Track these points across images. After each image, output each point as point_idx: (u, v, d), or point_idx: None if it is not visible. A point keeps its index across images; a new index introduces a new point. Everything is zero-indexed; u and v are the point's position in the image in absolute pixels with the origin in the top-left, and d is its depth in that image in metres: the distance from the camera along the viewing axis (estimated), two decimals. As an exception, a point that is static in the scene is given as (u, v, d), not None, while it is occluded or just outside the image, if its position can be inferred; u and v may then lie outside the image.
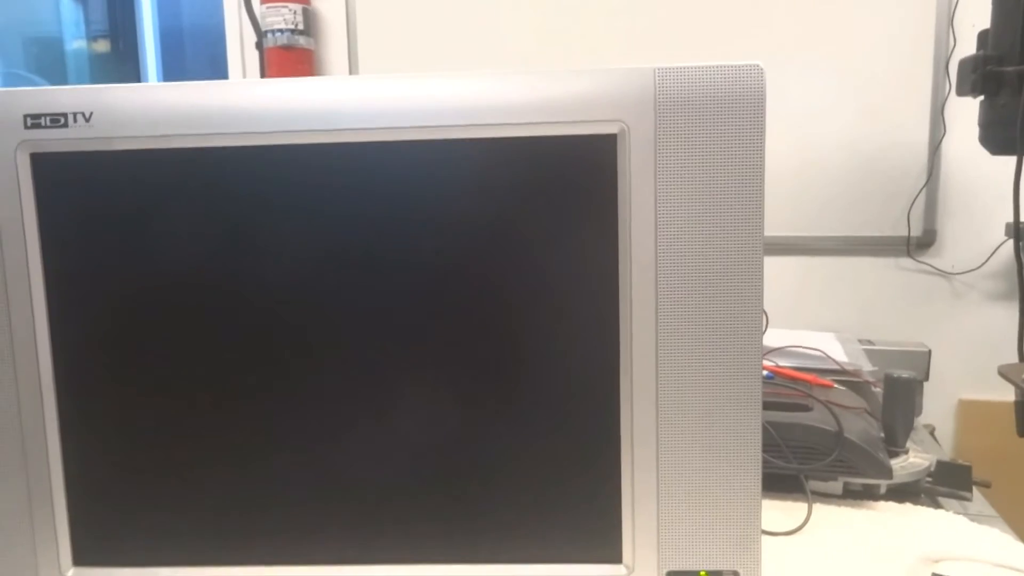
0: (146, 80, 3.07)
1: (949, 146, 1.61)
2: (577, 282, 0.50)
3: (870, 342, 1.33)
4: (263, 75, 1.86)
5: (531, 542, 0.52)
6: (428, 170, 0.49)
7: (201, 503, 0.52)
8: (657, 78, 0.48)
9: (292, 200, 0.50)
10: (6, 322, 0.50)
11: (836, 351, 1.22)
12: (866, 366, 1.17)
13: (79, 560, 0.53)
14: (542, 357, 0.51)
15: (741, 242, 0.48)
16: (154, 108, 0.49)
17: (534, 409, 0.51)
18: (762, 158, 0.48)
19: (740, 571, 0.51)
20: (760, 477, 0.50)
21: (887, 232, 1.66)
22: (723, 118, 0.48)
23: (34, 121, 0.49)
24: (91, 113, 0.49)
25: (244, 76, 1.93)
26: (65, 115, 0.49)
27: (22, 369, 0.51)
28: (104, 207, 0.50)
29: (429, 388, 0.51)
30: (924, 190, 1.62)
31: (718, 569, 0.51)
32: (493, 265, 0.50)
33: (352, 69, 1.83)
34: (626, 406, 0.50)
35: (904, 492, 0.86)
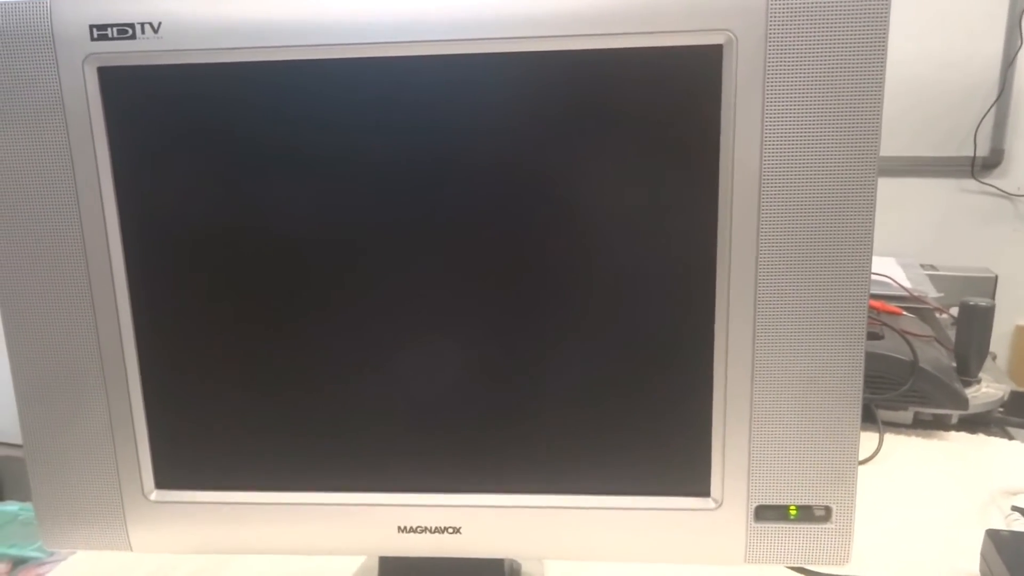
0: None
1: (1025, 60, 1.52)
2: (672, 205, 0.47)
3: (933, 267, 1.29)
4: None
5: (614, 472, 0.51)
6: (507, 86, 0.46)
7: (280, 427, 0.52)
8: (770, -17, 0.43)
9: (373, 116, 0.47)
10: (81, 251, 0.49)
11: (899, 276, 1.19)
12: (931, 292, 1.14)
13: (161, 483, 0.53)
14: (632, 280, 0.48)
15: (854, 169, 0.45)
16: (226, 18, 0.46)
17: (622, 334, 0.49)
18: (882, 78, 0.44)
19: (833, 506, 0.49)
20: (860, 409, 0.48)
21: (951, 152, 1.59)
22: (841, 31, 0.43)
23: (100, 32, 0.46)
24: (159, 24, 0.46)
25: None
26: (132, 25, 0.46)
27: (99, 299, 0.50)
28: (176, 124, 0.48)
29: (511, 312, 0.49)
30: (994, 107, 1.54)
31: (810, 504, 0.50)
32: (579, 187, 0.47)
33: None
34: (720, 331, 0.48)
35: (975, 422, 0.84)
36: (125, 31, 0.46)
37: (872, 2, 0.43)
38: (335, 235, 0.49)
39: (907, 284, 1.13)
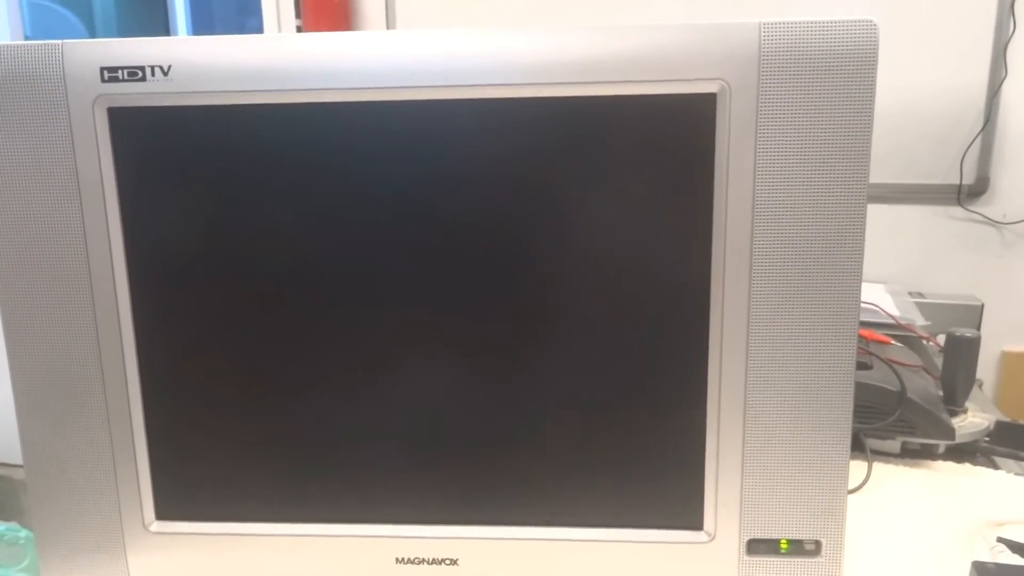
0: (173, 14, 3.02)
1: (1010, 90, 1.55)
2: (667, 248, 0.48)
3: (920, 294, 1.31)
4: (298, 13, 1.81)
5: (607, 505, 0.52)
6: (502, 131, 0.48)
7: (280, 459, 0.53)
8: (762, 34, 0.45)
9: (376, 158, 0.48)
10: (87, 281, 0.50)
11: (888, 304, 1.20)
12: (918, 320, 1.15)
13: (162, 514, 0.54)
14: (627, 319, 0.49)
15: (843, 213, 0.46)
16: (234, 62, 0.47)
17: (618, 369, 0.50)
18: (870, 124, 0.46)
19: (823, 541, 0.50)
20: (848, 444, 0.50)
21: (937, 180, 1.62)
22: (831, 79, 0.45)
23: (111, 74, 0.48)
24: (169, 66, 0.47)
25: (277, 15, 1.88)
26: (143, 68, 0.48)
27: (103, 327, 0.51)
28: (183, 163, 0.49)
29: (508, 350, 0.50)
30: (980, 136, 1.57)
31: (800, 538, 0.51)
32: (575, 228, 0.49)
33: (389, 14, 1.78)
34: (714, 368, 0.49)
35: (962, 451, 0.85)
36: (135, 73, 0.48)
37: (860, 51, 0.45)
38: (336, 274, 0.50)
39: (895, 312, 1.15)
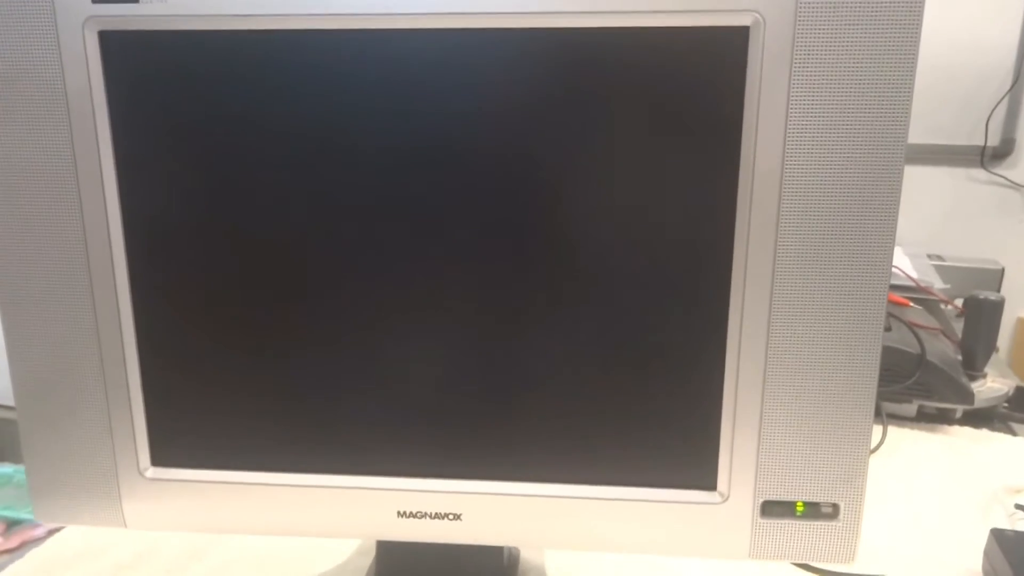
0: None
1: (1041, 49, 1.50)
2: (689, 192, 0.46)
3: (940, 257, 1.28)
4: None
5: (618, 462, 0.50)
6: (519, 65, 0.44)
7: (279, 408, 0.51)
8: (801, -37, 0.42)
9: (386, 89, 0.45)
10: (79, 217, 0.48)
11: (907, 266, 1.17)
12: (937, 283, 1.13)
13: (158, 460, 0.52)
14: (643, 267, 0.47)
15: (879, 160, 0.43)
16: (233, -17, 0.44)
17: (631, 320, 0.48)
18: (914, 67, 0.42)
19: (841, 504, 0.48)
20: (872, 407, 0.47)
21: (962, 141, 1.57)
22: (874, 16, 0.42)
23: (102, -6, 0.45)
24: (164, -13, 0.44)
25: None
26: (136, -12, 0.44)
27: (96, 268, 0.48)
28: (180, 93, 0.46)
29: (517, 297, 0.48)
30: (1008, 96, 1.52)
31: (818, 501, 0.49)
32: (590, 171, 0.46)
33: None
34: (734, 320, 0.47)
35: (979, 417, 0.83)
36: (128, -6, 0.44)
37: (907, -12, 0.41)
38: (337, 216, 0.47)
39: (914, 274, 1.12)
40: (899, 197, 0.45)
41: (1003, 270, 1.23)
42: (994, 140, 1.55)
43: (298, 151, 0.47)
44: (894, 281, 1.06)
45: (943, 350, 0.83)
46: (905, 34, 0.42)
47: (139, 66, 0.46)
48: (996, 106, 1.54)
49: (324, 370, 0.50)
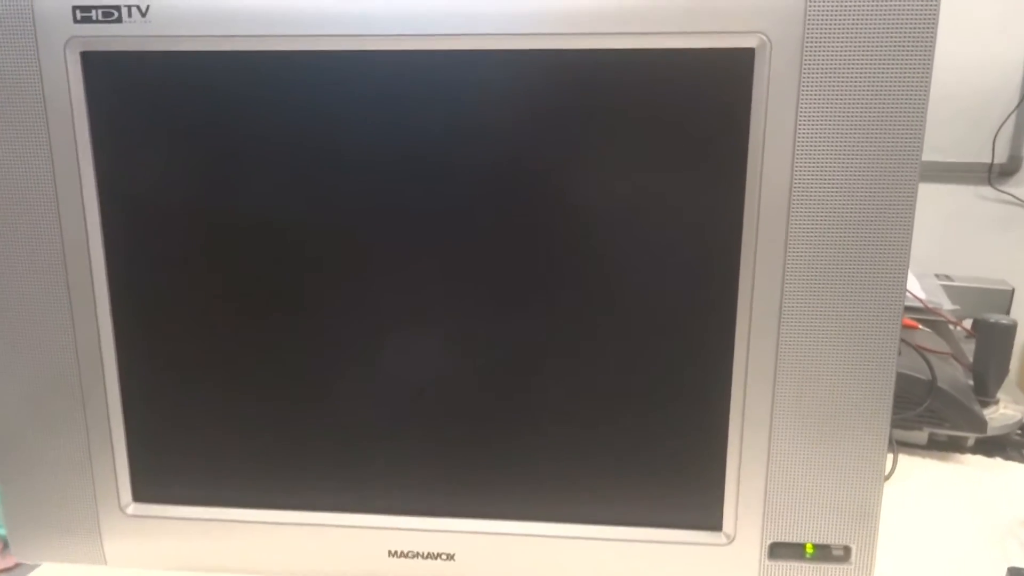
0: None
1: (1048, 66, 1.48)
2: (694, 218, 0.44)
3: (948, 277, 1.25)
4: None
5: (618, 501, 0.48)
6: (520, 87, 0.43)
7: (266, 442, 0.49)
8: (810, -17, 0.40)
9: (375, 112, 0.44)
10: (59, 243, 0.46)
11: (915, 286, 1.15)
12: (946, 304, 1.10)
13: (140, 496, 0.50)
14: (647, 298, 0.45)
15: (892, 187, 0.42)
16: (217, 3, 0.43)
17: (634, 352, 0.46)
18: (927, 88, 0.41)
19: (853, 546, 0.46)
20: (886, 444, 0.45)
21: (968, 158, 1.55)
22: (885, 37, 0.40)
23: (84, 14, 0.43)
24: (147, 7, 0.43)
25: None
26: (118, 7, 0.43)
27: (77, 294, 0.47)
28: (163, 115, 0.45)
29: (516, 328, 0.46)
30: (1015, 113, 1.51)
31: (828, 543, 0.46)
32: (595, 194, 0.44)
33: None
34: (740, 353, 0.45)
35: (992, 444, 0.81)
36: (110, 13, 0.43)
37: (919, 10, 0.40)
38: (325, 242, 0.45)
39: (922, 295, 1.10)
40: (912, 223, 0.43)
41: (1013, 291, 1.21)
42: (1001, 157, 1.53)
43: (285, 175, 0.45)
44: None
45: (954, 375, 0.81)
46: (918, 54, 0.40)
47: (122, 87, 0.44)
48: (1003, 123, 1.52)
49: (313, 404, 0.48)
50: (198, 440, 0.49)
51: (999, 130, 1.53)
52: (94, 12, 0.43)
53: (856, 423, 0.45)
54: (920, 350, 0.82)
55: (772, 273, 0.43)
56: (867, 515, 0.46)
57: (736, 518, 0.47)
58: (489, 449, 0.48)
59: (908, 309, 1.04)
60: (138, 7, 0.43)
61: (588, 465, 0.48)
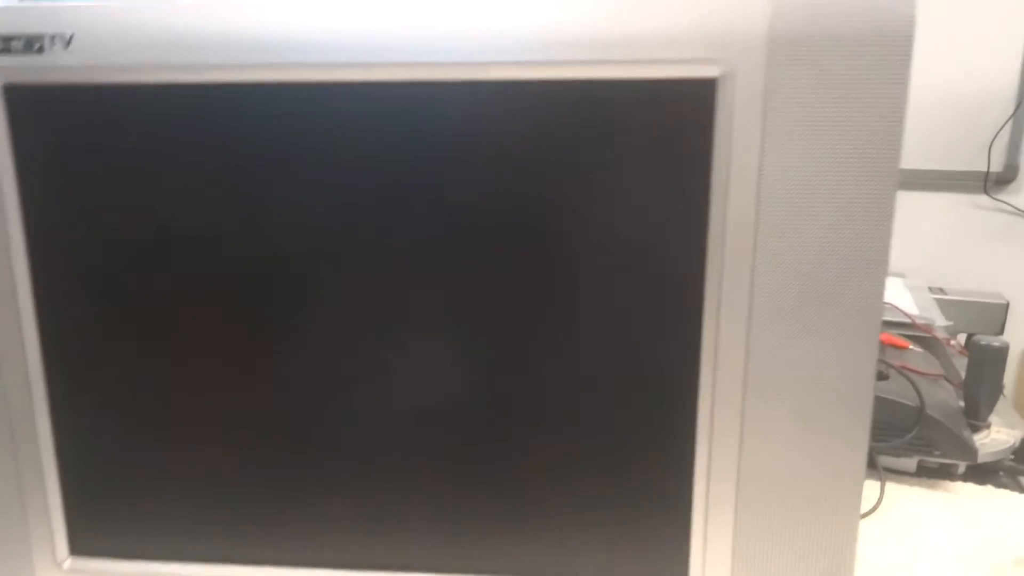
0: None
1: (1043, 73, 1.46)
2: (655, 257, 0.41)
3: (942, 290, 1.23)
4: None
5: (581, 558, 0.45)
6: (465, 114, 0.40)
7: (212, 492, 0.46)
8: (775, 8, 0.37)
9: (311, 146, 0.41)
10: (-18, 284, 0.43)
11: (906, 301, 1.13)
12: (939, 319, 1.07)
13: (76, 549, 0.47)
14: (604, 336, 0.42)
15: (865, 221, 0.39)
16: (146, 31, 0.40)
17: (593, 390, 0.43)
18: (902, 118, 0.38)
19: (828, 602, 0.44)
20: (860, 496, 0.43)
21: (963, 166, 1.53)
22: (856, 65, 0.37)
23: (4, 44, 0.41)
24: (71, 36, 0.40)
25: None
26: (41, 37, 0.40)
27: (4, 338, 0.44)
28: (92, 150, 0.42)
29: (474, 374, 0.43)
30: (1011, 120, 1.48)
31: (802, 600, 0.44)
32: (551, 228, 0.41)
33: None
34: (705, 397, 0.42)
35: (984, 471, 0.78)
36: (32, 44, 0.40)
37: (893, 32, 0.37)
38: (266, 274, 0.43)
39: (915, 311, 1.07)
40: (887, 257, 0.40)
41: (1008, 305, 1.18)
42: (997, 166, 1.51)
43: (218, 208, 0.42)
44: (892, 318, 1.01)
45: (944, 400, 0.78)
46: (892, 79, 0.38)
47: (48, 121, 0.42)
48: (999, 131, 1.49)
49: (262, 451, 0.45)
50: (139, 490, 0.47)
51: (995, 138, 1.50)
52: (14, 42, 0.40)
53: (827, 480, 0.42)
54: (909, 374, 0.79)
55: (737, 322, 0.40)
56: (842, 570, 0.43)
57: (703, 573, 0.44)
58: (445, 503, 0.45)
59: (898, 326, 1.01)
60: (61, 37, 0.40)
61: (548, 519, 0.45)
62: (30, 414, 0.45)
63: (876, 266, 0.40)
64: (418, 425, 0.44)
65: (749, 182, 0.39)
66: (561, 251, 0.41)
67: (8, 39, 0.40)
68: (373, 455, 0.45)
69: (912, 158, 1.54)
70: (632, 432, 0.43)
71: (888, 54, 0.37)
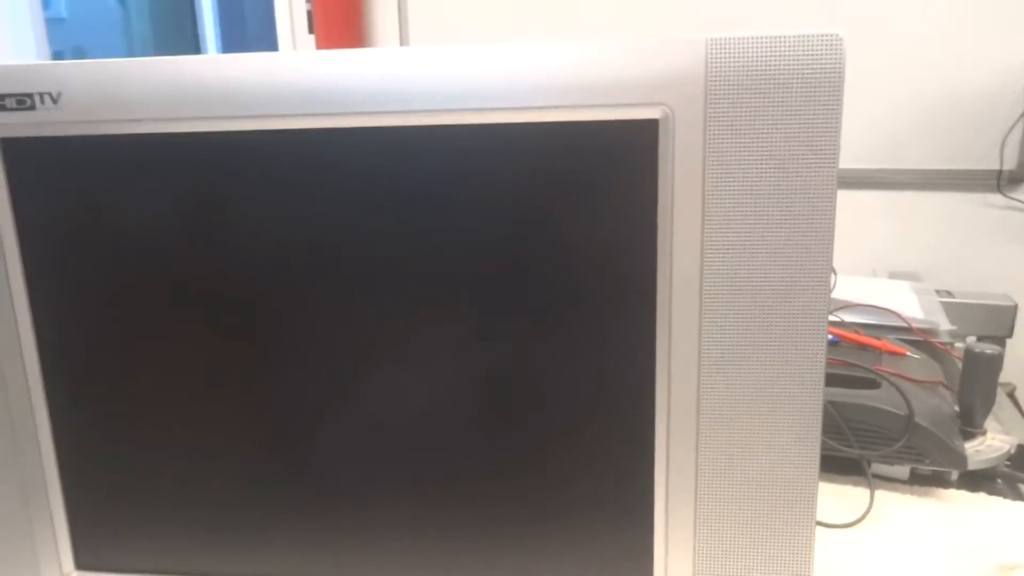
0: (201, 25, 3.00)
1: (1056, 70, 1.44)
2: (606, 289, 0.43)
3: (949, 293, 1.22)
4: (311, 28, 1.76)
5: (546, 565, 0.47)
6: (424, 160, 0.43)
7: (218, 504, 0.49)
8: (709, 51, 0.39)
9: (297, 193, 0.44)
10: (-14, 323, 0.47)
11: (911, 305, 1.13)
12: (943, 323, 1.07)
13: (82, 564, 0.51)
14: (561, 364, 0.45)
15: (805, 253, 0.41)
16: (129, 88, 0.43)
17: (550, 413, 0.45)
18: (836, 151, 0.40)
19: (786, 610, 0.45)
20: (816, 496, 0.44)
21: (975, 165, 1.51)
22: (790, 103, 0.39)
23: (-1, 102, 0.44)
24: (59, 93, 0.43)
25: (292, 29, 1.84)
26: (31, 95, 0.44)
27: (9, 370, 0.47)
28: (85, 199, 0.45)
29: (443, 389, 0.46)
30: (1023, 118, 1.47)
31: (762, 607, 0.46)
32: (504, 267, 0.43)
33: (402, 28, 1.73)
34: (661, 422, 0.44)
35: (978, 477, 0.79)
36: (23, 101, 0.44)
37: (823, 71, 0.39)
38: (260, 321, 0.46)
39: (919, 315, 1.07)
40: (828, 285, 0.42)
41: (1016, 307, 1.17)
42: (1010, 164, 1.49)
43: (211, 256, 0.45)
44: (894, 323, 1.02)
45: (937, 408, 0.79)
46: (825, 116, 0.40)
47: (44, 173, 0.45)
48: (1012, 128, 1.48)
49: (268, 463, 0.48)
50: (143, 505, 0.50)
51: (1007, 135, 1.49)
52: (7, 100, 0.44)
53: (783, 475, 0.44)
54: (900, 382, 0.80)
55: (687, 353, 0.42)
56: (800, 562, 0.45)
57: (666, 570, 0.46)
58: (426, 517, 0.48)
59: (899, 329, 1.01)
60: (50, 94, 0.43)
61: (515, 525, 0.47)
62: (33, 432, 0.48)
63: (818, 278, 0.42)
64: (397, 441, 0.47)
65: (694, 220, 0.41)
66: (521, 280, 0.44)
67: (1, 97, 0.44)
68: (367, 479, 0.47)
69: (922, 157, 1.53)
70: (595, 443, 0.45)
71: (819, 91, 0.39)
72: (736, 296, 0.42)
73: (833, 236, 0.41)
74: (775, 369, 0.42)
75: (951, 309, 1.15)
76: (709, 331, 0.42)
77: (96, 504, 0.50)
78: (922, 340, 1.00)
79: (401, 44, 1.75)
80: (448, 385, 0.45)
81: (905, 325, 1.01)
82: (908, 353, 0.92)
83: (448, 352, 0.45)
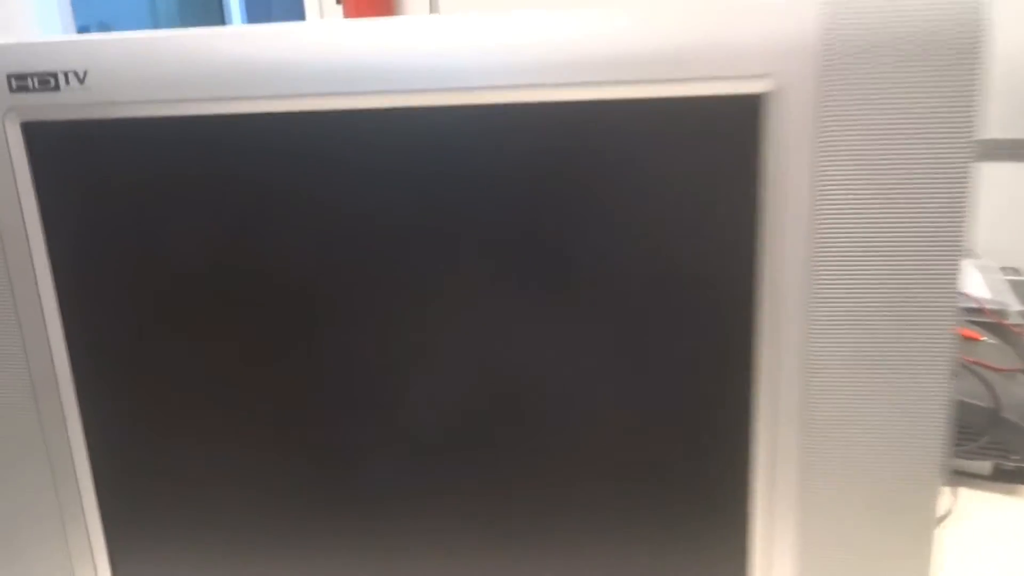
0: (228, 5, 2.94)
1: None
2: (701, 286, 0.38)
3: (1016, 271, 1.16)
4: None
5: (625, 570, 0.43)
6: (502, 142, 0.38)
7: (246, 522, 0.46)
8: (825, 17, 0.34)
9: (335, 177, 0.39)
10: (16, 327, 0.43)
11: (977, 285, 1.06)
12: (1013, 304, 1.01)
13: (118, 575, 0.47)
14: (650, 367, 0.40)
15: (931, 254, 0.35)
16: (160, 65, 0.39)
17: (638, 419, 0.41)
18: (973, 131, 0.34)
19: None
20: (937, 504, 0.40)
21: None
22: (918, 75, 0.34)
23: (20, 83, 0.40)
24: (85, 72, 0.39)
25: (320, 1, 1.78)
26: (55, 75, 0.39)
27: (38, 373, 0.44)
28: (118, 187, 0.41)
29: (519, 385, 0.42)
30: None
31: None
32: (590, 255, 0.39)
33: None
34: (763, 444, 0.40)
35: (1065, 473, 0.73)
36: (47, 81, 0.40)
37: (960, 37, 0.33)
38: (296, 299, 0.42)
39: (987, 294, 1.01)
40: (956, 285, 0.37)
41: (1090, 285, 1.10)
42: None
43: (245, 242, 0.41)
44: (962, 304, 0.96)
45: (1022, 398, 0.73)
46: (960, 91, 0.34)
47: (69, 157, 0.41)
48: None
49: (313, 472, 0.45)
50: (179, 518, 0.46)
51: (1074, 101, 1.40)
52: (30, 80, 0.40)
53: (901, 489, 0.40)
54: (981, 370, 0.75)
55: (791, 366, 0.38)
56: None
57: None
58: (481, 521, 0.44)
59: (967, 312, 0.95)
60: (75, 73, 0.39)
61: (595, 533, 0.43)
62: (67, 447, 0.45)
63: (946, 286, 0.37)
64: (468, 458, 0.43)
65: (801, 209, 0.36)
66: (603, 273, 0.39)
67: (23, 77, 0.40)
68: (423, 483, 0.44)
69: (991, 126, 1.45)
70: (687, 456, 0.41)
71: (953, 74, 0.34)
72: (848, 302, 0.37)
73: (965, 232, 0.36)
74: (891, 383, 0.38)
75: (1019, 289, 1.09)
76: (816, 342, 0.38)
77: (132, 520, 0.47)
78: (994, 323, 0.94)
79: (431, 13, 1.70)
80: (527, 385, 0.41)
81: (976, 306, 0.95)
82: (982, 338, 0.87)
83: (528, 350, 0.41)
